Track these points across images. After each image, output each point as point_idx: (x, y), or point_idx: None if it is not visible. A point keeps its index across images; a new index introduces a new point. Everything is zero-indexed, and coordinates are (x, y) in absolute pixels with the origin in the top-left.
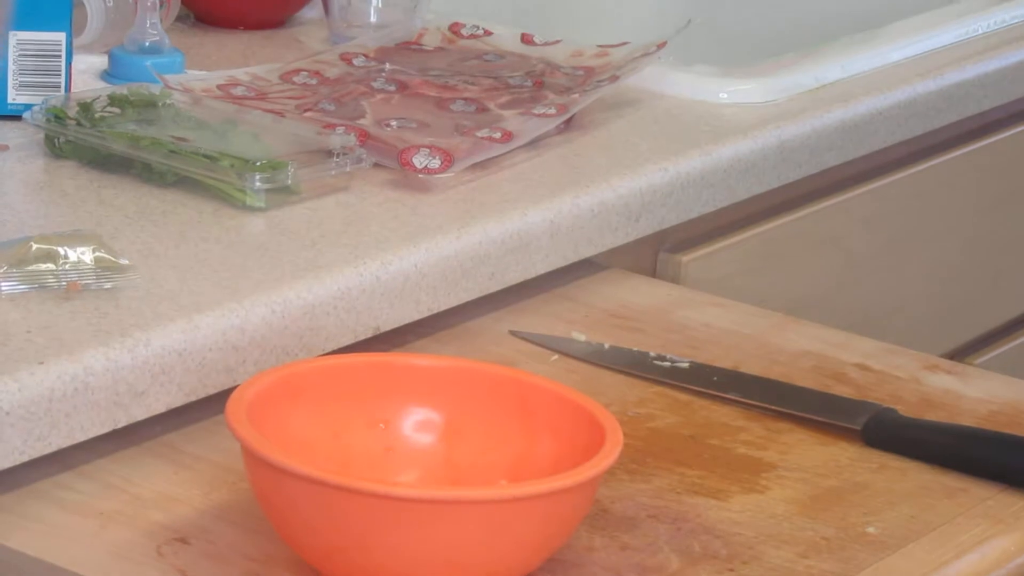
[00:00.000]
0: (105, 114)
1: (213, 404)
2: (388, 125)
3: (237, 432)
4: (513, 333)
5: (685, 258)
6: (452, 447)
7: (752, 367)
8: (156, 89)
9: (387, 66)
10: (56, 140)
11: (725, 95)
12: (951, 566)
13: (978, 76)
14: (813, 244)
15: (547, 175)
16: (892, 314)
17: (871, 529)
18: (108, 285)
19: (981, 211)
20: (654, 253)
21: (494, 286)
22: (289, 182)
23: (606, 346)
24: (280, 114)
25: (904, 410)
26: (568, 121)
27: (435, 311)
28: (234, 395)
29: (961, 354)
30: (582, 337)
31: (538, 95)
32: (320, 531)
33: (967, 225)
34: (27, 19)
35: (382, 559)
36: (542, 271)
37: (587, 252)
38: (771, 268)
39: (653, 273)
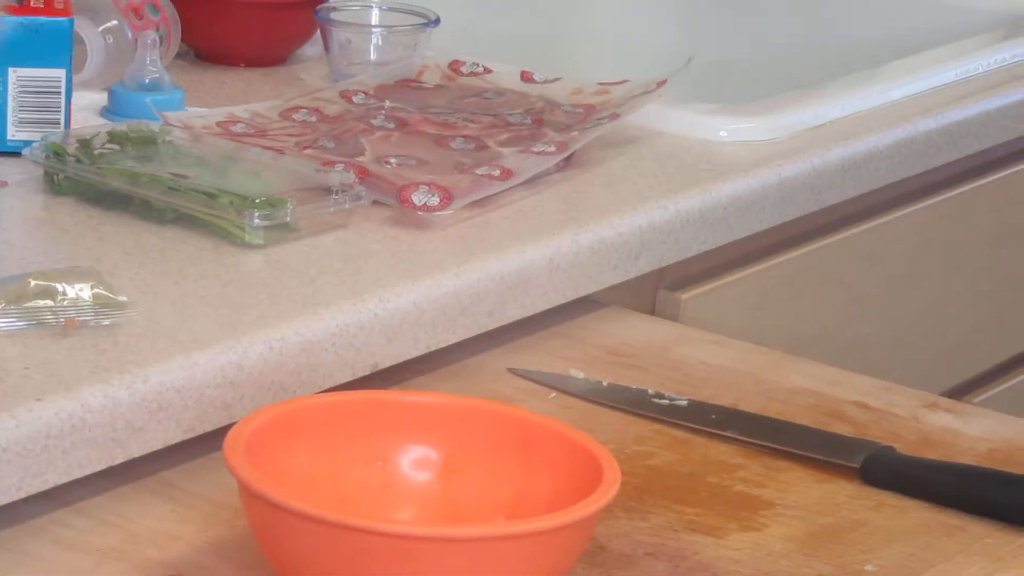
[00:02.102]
0: (104, 151)
1: (211, 440)
2: (387, 162)
3: (234, 469)
4: (511, 370)
5: (684, 296)
6: (450, 484)
7: (750, 405)
8: (156, 126)
9: (387, 103)
10: (55, 176)
11: (725, 133)
12: None
13: (979, 114)
14: (813, 282)
15: (546, 213)
16: (893, 351)
17: (869, 567)
18: (106, 322)
19: (982, 248)
20: (653, 291)
21: (493, 323)
22: (288, 219)
23: (604, 384)
24: (279, 151)
25: (903, 448)
26: (568, 159)
27: (433, 348)
28: (232, 431)
29: (962, 392)
30: (580, 375)
31: (538, 133)
32: (317, 568)
33: (968, 262)
34: (27, 55)
35: None
36: (541, 308)
37: (586, 290)
38: (771, 306)
39: (652, 311)
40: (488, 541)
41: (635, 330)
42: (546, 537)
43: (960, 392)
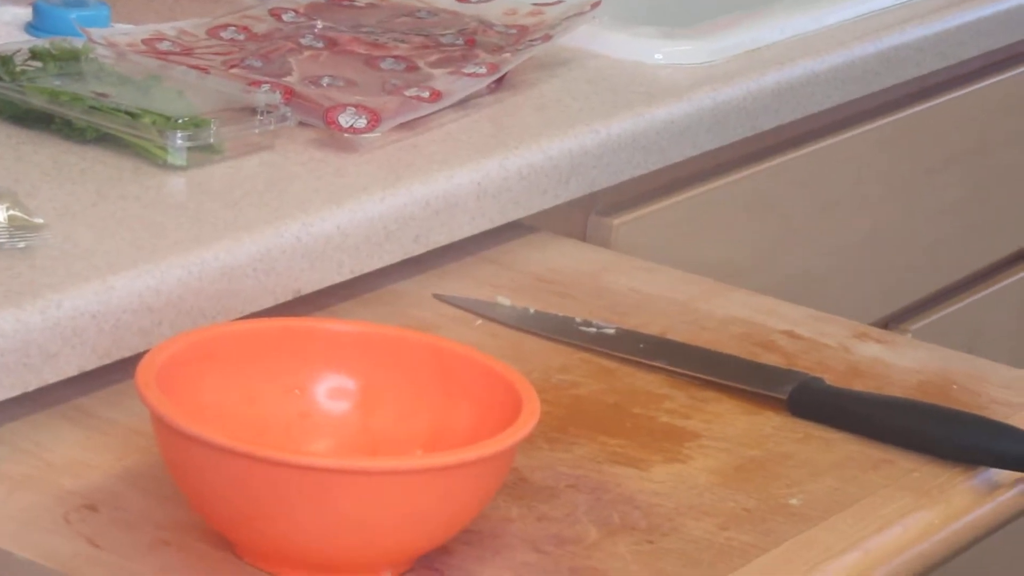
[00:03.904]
0: (26, 68)
1: (128, 367)
2: (315, 83)
3: (146, 398)
4: (437, 297)
5: (616, 221)
6: (368, 414)
7: (679, 334)
8: (79, 43)
9: (318, 23)
10: None
11: (660, 56)
12: (873, 539)
13: (917, 39)
14: (747, 208)
15: (476, 136)
16: (827, 280)
17: (793, 501)
18: (21, 244)
19: (919, 176)
20: (585, 216)
21: (419, 249)
22: (212, 140)
23: (531, 311)
24: (205, 70)
25: (832, 379)
26: (499, 81)
27: (358, 274)
28: (144, 360)
29: (897, 320)
30: (507, 302)
31: (469, 54)
32: (230, 501)
33: (904, 190)
34: None
35: (292, 529)
36: (468, 234)
37: (515, 215)
38: (704, 232)
39: (584, 237)
40: (404, 474)
41: (564, 256)
42: (464, 470)
43: (896, 320)
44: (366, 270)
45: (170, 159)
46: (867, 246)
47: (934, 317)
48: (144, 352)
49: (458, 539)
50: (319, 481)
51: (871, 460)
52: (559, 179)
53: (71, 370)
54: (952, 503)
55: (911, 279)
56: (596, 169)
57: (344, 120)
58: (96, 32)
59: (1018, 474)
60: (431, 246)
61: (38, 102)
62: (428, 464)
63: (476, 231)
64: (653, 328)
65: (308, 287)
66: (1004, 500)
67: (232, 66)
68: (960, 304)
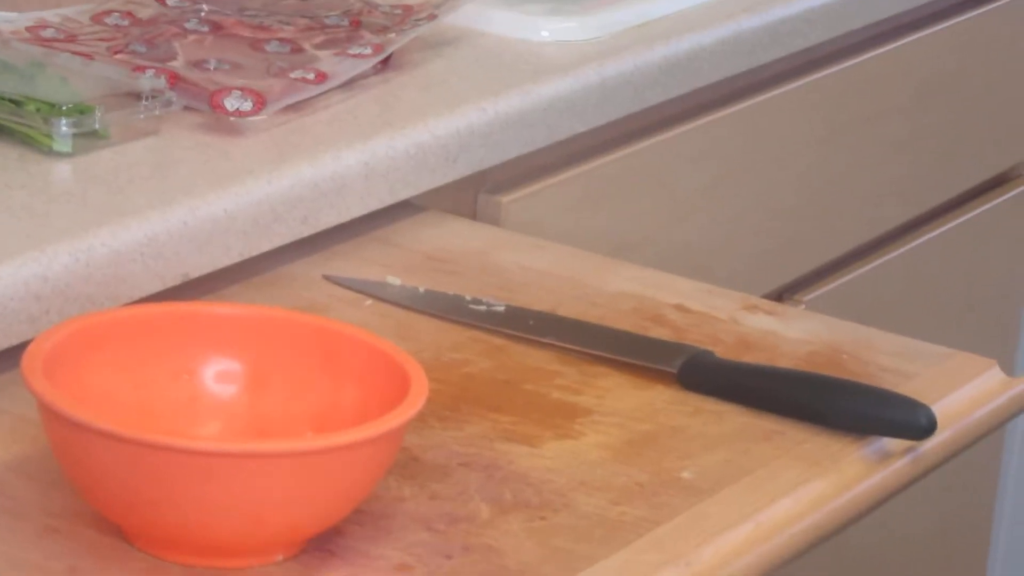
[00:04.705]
0: None
1: (14, 355)
2: (200, 67)
3: (31, 385)
4: (327, 278)
5: (505, 199)
6: (257, 397)
7: (569, 310)
8: None
9: (204, 7)
10: None
11: (546, 33)
12: (765, 511)
13: (803, 11)
14: (637, 183)
15: (362, 116)
16: (719, 253)
17: (686, 474)
18: None
19: (808, 147)
20: (474, 195)
21: (307, 230)
22: (97, 127)
23: (421, 290)
24: (89, 57)
25: (722, 352)
26: (385, 61)
27: (247, 256)
28: (30, 347)
29: (790, 292)
30: (397, 281)
31: (354, 35)
32: (118, 487)
33: (795, 162)
34: None
35: (181, 514)
36: (356, 214)
37: (404, 194)
38: (594, 208)
39: (474, 215)
40: (293, 456)
41: (454, 235)
42: (352, 451)
43: (788, 293)
44: (255, 253)
45: (55, 146)
46: (757, 218)
47: (827, 288)
48: (32, 340)
49: (350, 519)
50: (206, 465)
51: (762, 432)
52: (447, 158)
53: None
54: (844, 473)
55: (803, 251)
56: (484, 147)
57: (230, 103)
58: None
59: (908, 442)
60: (320, 227)
61: None
62: (316, 446)
63: (365, 211)
64: (543, 305)
65: (196, 271)
66: (895, 469)
67: (117, 52)
68: (852, 275)
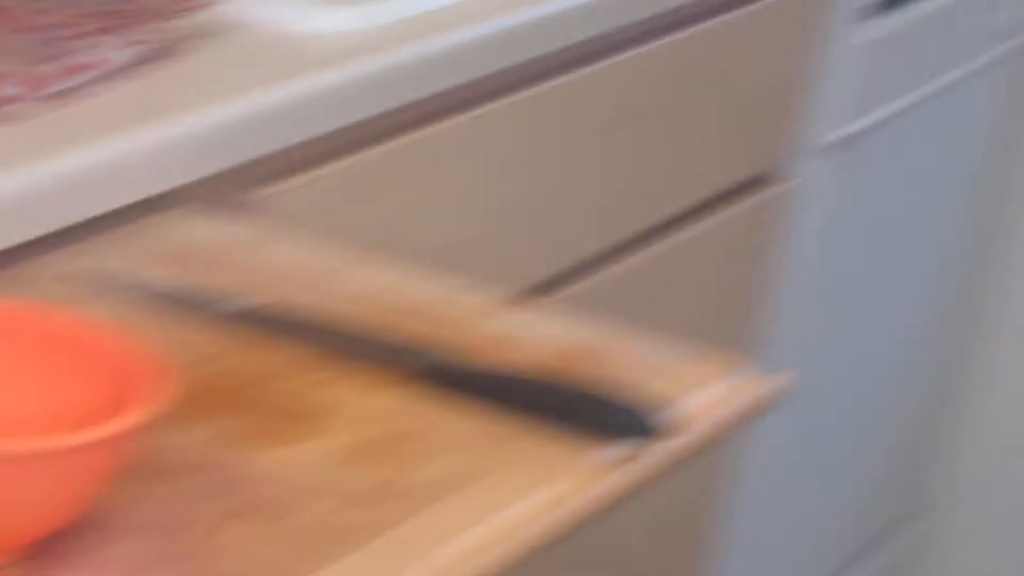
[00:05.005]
0: None
1: None
2: None
3: None
4: (72, 274)
5: (268, 192)
6: None
7: (320, 308)
8: None
9: None
10: None
11: (315, 24)
12: (496, 515)
13: (567, 9)
14: (402, 178)
15: (125, 107)
16: (479, 248)
17: (417, 478)
18: None
19: (566, 146)
20: (237, 188)
21: (52, 226)
22: None
23: (167, 287)
24: None
25: (468, 352)
26: (153, 51)
27: None
28: None
29: (553, 287)
30: (143, 278)
31: (126, 23)
32: None
33: (552, 160)
34: None
35: None
36: (105, 209)
37: (160, 187)
38: (354, 203)
39: (235, 209)
40: (9, 460)
41: (208, 230)
42: (75, 455)
43: (550, 288)
44: None
45: None
46: (523, 212)
47: (577, 288)
48: None
49: (77, 523)
50: None
51: (494, 437)
52: (210, 150)
53: None
54: (573, 478)
55: (557, 249)
56: (248, 140)
57: None
58: None
59: (635, 448)
60: (64, 223)
61: None
62: (34, 449)
63: (114, 206)
64: (295, 301)
65: None
66: (625, 473)
67: None
68: (602, 274)
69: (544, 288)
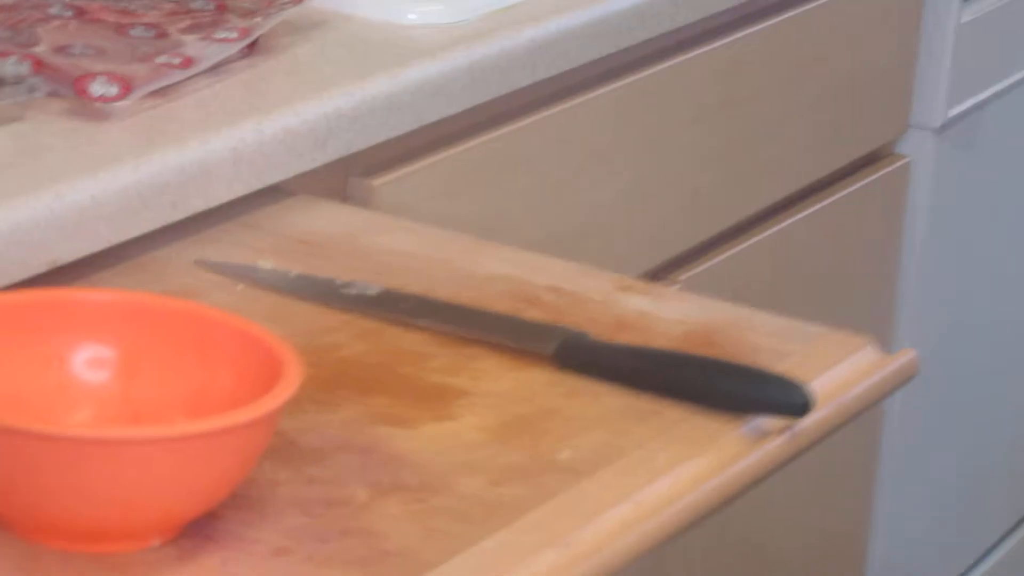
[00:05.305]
0: None
1: None
2: (64, 52)
3: None
4: (198, 263)
5: (376, 182)
6: (128, 383)
7: (442, 292)
8: None
9: None
10: None
11: (414, 16)
12: (643, 491)
13: None
14: (506, 166)
15: (229, 101)
16: (589, 235)
17: (564, 455)
18: None
19: (679, 128)
20: (344, 178)
21: (177, 215)
22: None
23: (293, 274)
24: None
25: (597, 333)
26: (252, 45)
27: (115, 242)
28: None
29: (664, 272)
30: (268, 266)
31: (220, 19)
32: None
33: (666, 143)
34: None
35: (55, 501)
36: (226, 199)
37: (272, 179)
38: (464, 191)
39: (344, 199)
40: (164, 442)
41: (325, 219)
42: (225, 435)
43: (662, 273)
44: (123, 238)
45: None
46: (628, 200)
47: (701, 268)
48: None
49: (227, 504)
50: (78, 452)
51: (639, 412)
52: (316, 142)
53: None
54: (721, 452)
55: (676, 231)
56: (352, 131)
57: (95, 89)
58: None
59: (785, 421)
60: (189, 212)
61: None
62: (189, 431)
63: (234, 196)
64: (416, 288)
65: (65, 257)
66: (773, 447)
67: None
68: (726, 254)
69: (664, 270)
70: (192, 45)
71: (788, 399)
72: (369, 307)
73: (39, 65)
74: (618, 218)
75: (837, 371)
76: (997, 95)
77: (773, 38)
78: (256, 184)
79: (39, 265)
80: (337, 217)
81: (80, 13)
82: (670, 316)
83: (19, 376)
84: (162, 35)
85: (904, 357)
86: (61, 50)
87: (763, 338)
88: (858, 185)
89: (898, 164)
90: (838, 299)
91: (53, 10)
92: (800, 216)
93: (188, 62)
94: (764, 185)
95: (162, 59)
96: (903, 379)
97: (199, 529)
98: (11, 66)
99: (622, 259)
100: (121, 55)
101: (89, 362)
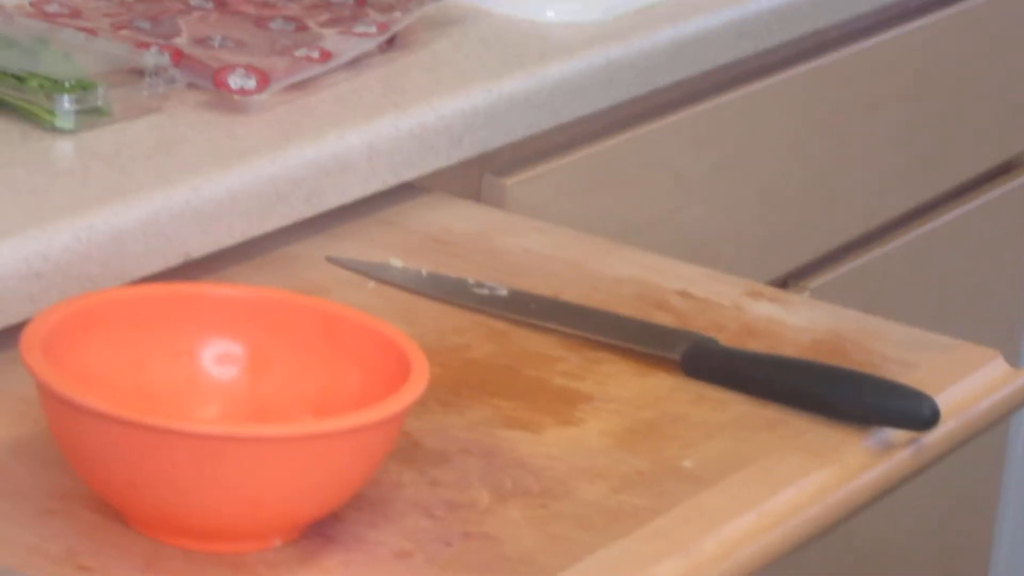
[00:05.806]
0: None
1: (16, 334)
2: (204, 44)
3: (29, 365)
4: (330, 259)
5: (510, 181)
6: (256, 379)
7: (572, 294)
8: None
9: None
10: None
11: (552, 14)
12: (767, 501)
13: None
14: (641, 167)
15: (366, 96)
16: (723, 238)
17: (687, 463)
18: None
19: (814, 133)
20: (479, 176)
21: (311, 211)
22: (100, 103)
23: (424, 273)
24: (93, 32)
25: (725, 339)
26: (390, 40)
27: (249, 237)
28: (29, 327)
29: (795, 279)
30: (400, 264)
31: (359, 13)
32: (116, 469)
33: (800, 147)
34: None
35: (180, 497)
36: (360, 195)
37: (407, 175)
38: (598, 192)
39: (478, 197)
40: (292, 441)
41: (458, 217)
42: (353, 435)
43: (793, 280)
44: (257, 233)
45: (58, 123)
46: (762, 204)
47: (831, 276)
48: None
49: (350, 505)
50: (206, 449)
51: (764, 421)
52: (451, 139)
53: None
54: (846, 463)
55: (807, 237)
56: (488, 129)
57: (233, 82)
58: None
59: (912, 433)
60: (323, 208)
61: None
62: (316, 430)
63: (368, 192)
64: (546, 289)
65: (199, 251)
66: (898, 459)
67: (120, 28)
68: (857, 262)
69: (794, 277)
70: (331, 39)
71: (915, 412)
72: (499, 308)
73: (178, 56)
74: (750, 222)
75: (965, 384)
76: None
77: (909, 43)
78: (391, 180)
79: (174, 258)
80: (470, 216)
81: (221, 5)
82: (799, 324)
83: (149, 370)
84: (301, 28)
85: None
86: (201, 42)
87: (891, 348)
88: (992, 194)
89: None
90: (968, 310)
91: (194, 2)
92: (931, 225)
93: (326, 56)
94: (899, 192)
95: (301, 52)
96: None
97: (320, 530)
98: (151, 57)
99: (752, 264)
100: (260, 48)
101: (218, 357)
